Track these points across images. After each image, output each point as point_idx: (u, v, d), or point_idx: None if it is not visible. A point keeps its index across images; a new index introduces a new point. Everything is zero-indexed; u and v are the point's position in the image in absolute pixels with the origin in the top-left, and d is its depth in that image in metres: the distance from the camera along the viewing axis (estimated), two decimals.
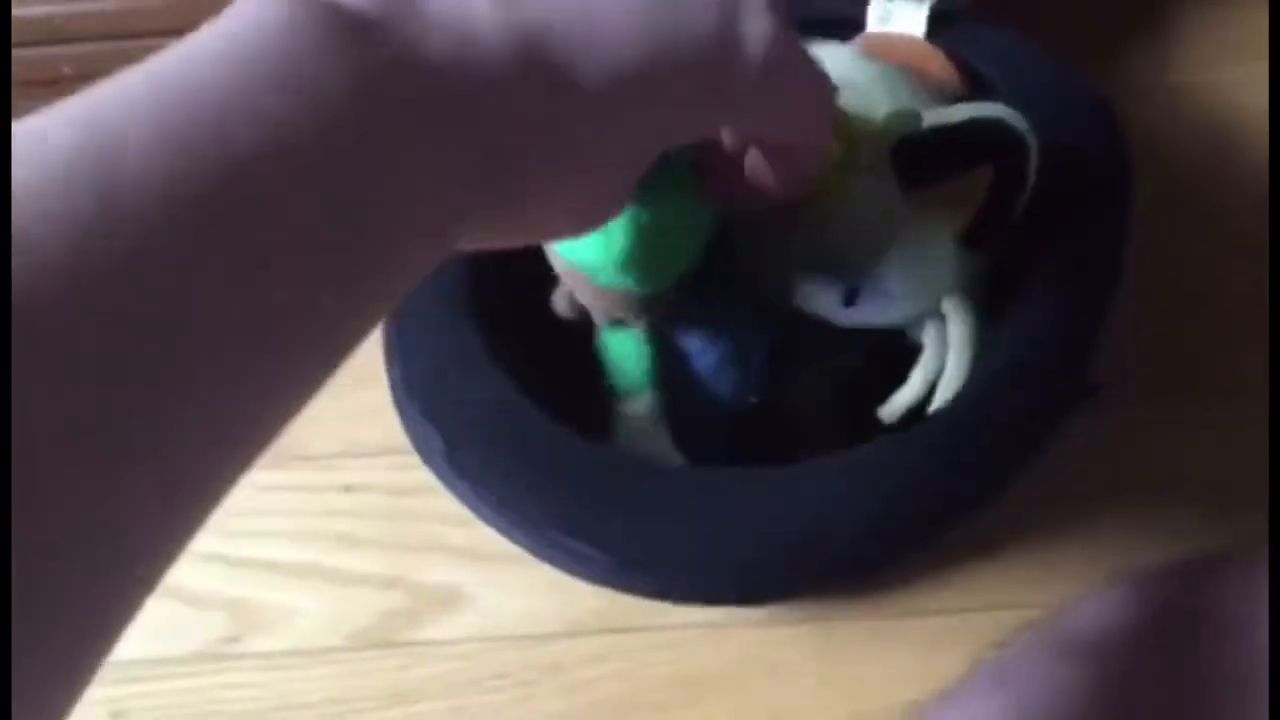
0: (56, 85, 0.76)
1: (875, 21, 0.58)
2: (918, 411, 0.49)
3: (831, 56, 0.51)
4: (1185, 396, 0.63)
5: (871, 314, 0.51)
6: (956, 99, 0.55)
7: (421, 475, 0.65)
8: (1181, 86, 0.76)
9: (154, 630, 0.62)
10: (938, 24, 0.57)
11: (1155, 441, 0.61)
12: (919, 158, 0.48)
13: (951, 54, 0.56)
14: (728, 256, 0.51)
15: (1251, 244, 0.68)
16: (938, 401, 0.49)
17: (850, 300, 0.51)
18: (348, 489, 0.66)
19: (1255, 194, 0.71)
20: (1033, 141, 0.48)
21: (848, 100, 0.49)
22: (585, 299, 0.51)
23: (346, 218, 0.22)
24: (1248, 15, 0.78)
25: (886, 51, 0.56)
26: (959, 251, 0.50)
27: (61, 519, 0.17)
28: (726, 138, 0.39)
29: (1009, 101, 0.49)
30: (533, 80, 0.26)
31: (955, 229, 0.50)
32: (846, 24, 0.58)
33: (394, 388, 0.54)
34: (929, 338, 0.50)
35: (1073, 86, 0.56)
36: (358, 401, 0.67)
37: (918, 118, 0.47)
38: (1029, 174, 0.48)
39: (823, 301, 0.52)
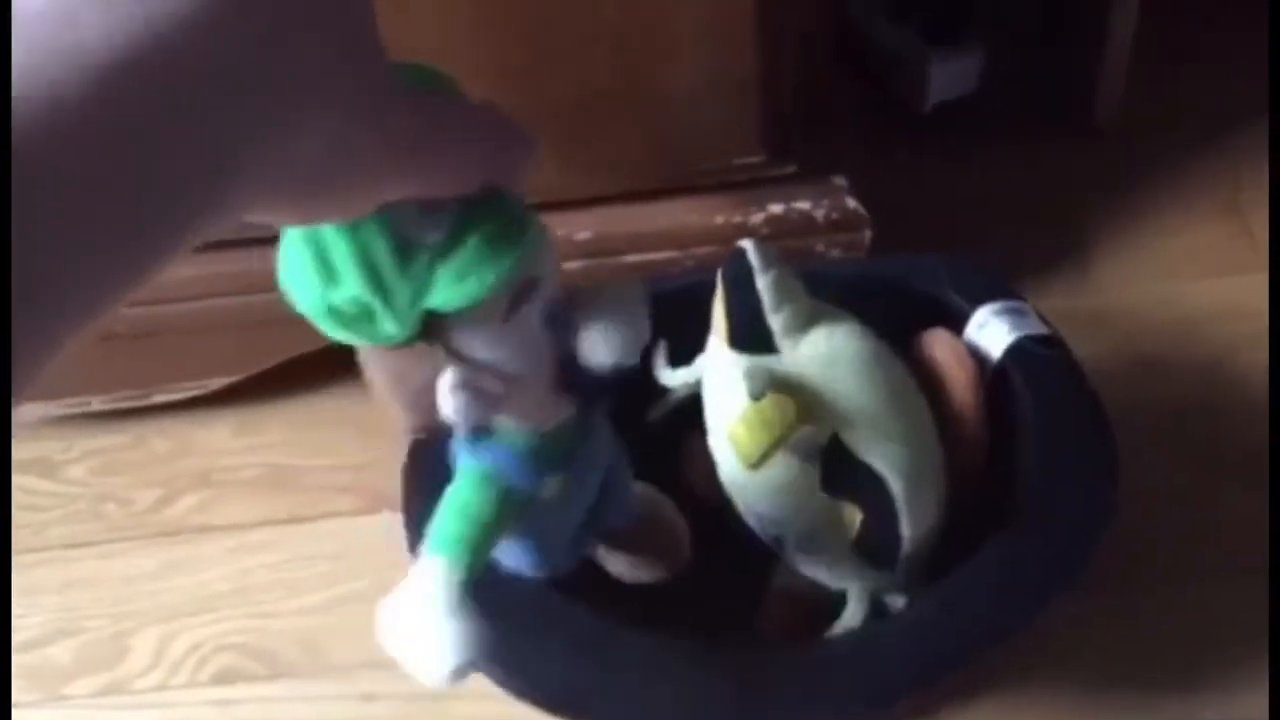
0: None
1: (974, 325, 0.67)
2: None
3: (853, 348, 0.60)
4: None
5: (796, 560, 0.63)
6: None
7: None
8: (1104, 308, 0.85)
9: None
10: (1014, 352, 0.65)
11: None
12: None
13: (980, 377, 0.64)
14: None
15: (1182, 453, 0.76)
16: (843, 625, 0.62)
17: (779, 546, 0.62)
18: (368, 698, 0.72)
19: (1178, 408, 0.79)
20: (900, 493, 0.58)
21: (831, 380, 0.58)
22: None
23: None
24: (1167, 238, 0.88)
25: (928, 348, 0.65)
26: (852, 553, 0.59)
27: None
28: None
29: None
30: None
31: (851, 535, 0.59)
32: (951, 315, 0.67)
33: None
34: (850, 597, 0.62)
35: (1085, 413, 0.65)
36: (374, 615, 0.74)
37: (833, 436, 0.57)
38: (899, 524, 0.58)
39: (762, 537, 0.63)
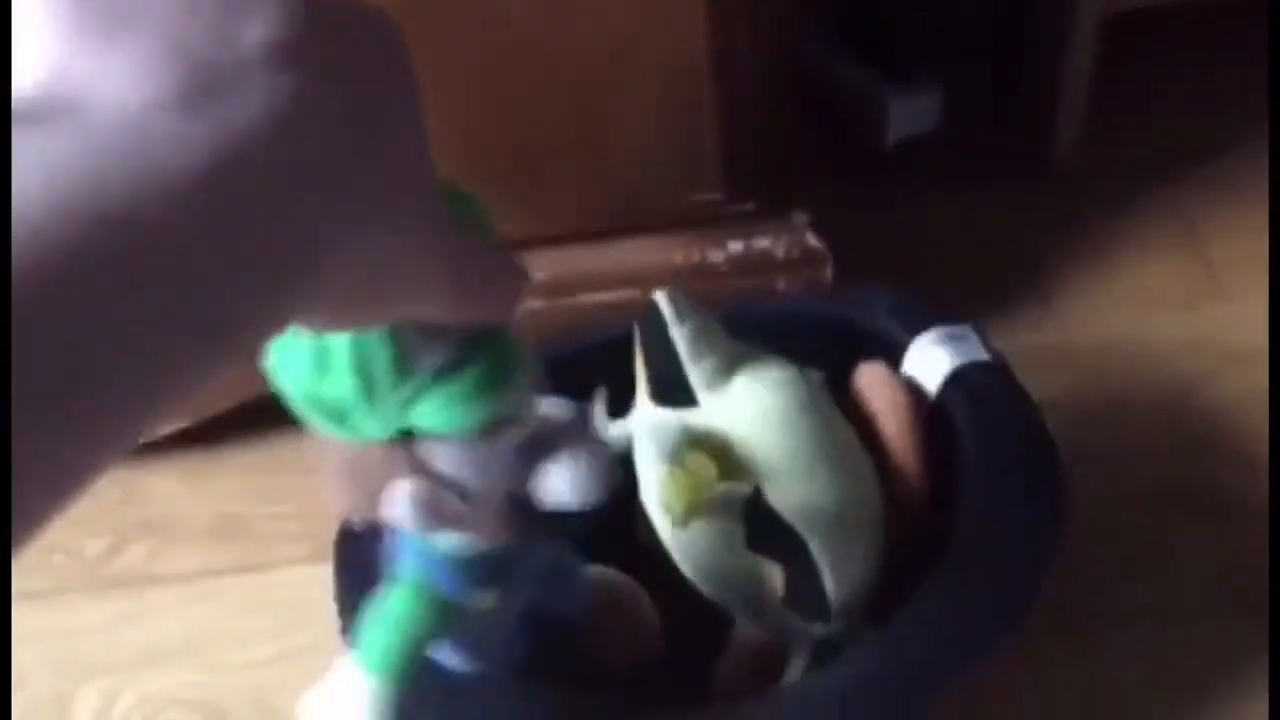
0: None
1: (911, 356, 0.65)
2: None
3: (777, 396, 0.58)
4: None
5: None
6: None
7: None
8: (1067, 344, 0.84)
9: None
10: (953, 383, 0.63)
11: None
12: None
13: (915, 418, 0.62)
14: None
15: (1146, 489, 0.76)
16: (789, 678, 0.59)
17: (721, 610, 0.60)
18: None
19: (1145, 442, 0.78)
20: (817, 549, 0.56)
21: (752, 433, 0.56)
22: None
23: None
24: (1127, 273, 0.88)
25: (862, 388, 0.63)
26: (784, 609, 0.58)
27: None
28: None
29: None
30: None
31: (779, 593, 0.58)
32: (891, 347, 0.66)
33: None
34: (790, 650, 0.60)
35: (1029, 445, 0.63)
36: (327, 666, 0.72)
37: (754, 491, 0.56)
38: (820, 580, 0.57)
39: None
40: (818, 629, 0.59)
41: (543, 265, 0.73)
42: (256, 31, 0.25)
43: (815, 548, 0.56)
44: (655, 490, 0.56)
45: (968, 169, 0.92)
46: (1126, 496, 0.75)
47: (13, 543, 0.23)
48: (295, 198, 0.26)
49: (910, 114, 0.89)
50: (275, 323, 0.27)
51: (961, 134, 0.92)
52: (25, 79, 0.24)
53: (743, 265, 0.74)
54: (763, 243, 0.74)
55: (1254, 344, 0.80)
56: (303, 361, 0.40)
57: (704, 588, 0.60)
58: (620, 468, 0.62)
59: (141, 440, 0.25)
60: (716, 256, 0.74)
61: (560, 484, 0.47)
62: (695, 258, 0.74)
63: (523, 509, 0.48)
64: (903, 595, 0.58)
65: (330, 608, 0.74)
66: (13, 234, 0.21)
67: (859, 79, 0.90)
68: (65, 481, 0.23)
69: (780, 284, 0.75)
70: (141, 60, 0.24)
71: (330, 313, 0.30)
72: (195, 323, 0.24)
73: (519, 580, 0.52)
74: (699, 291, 0.72)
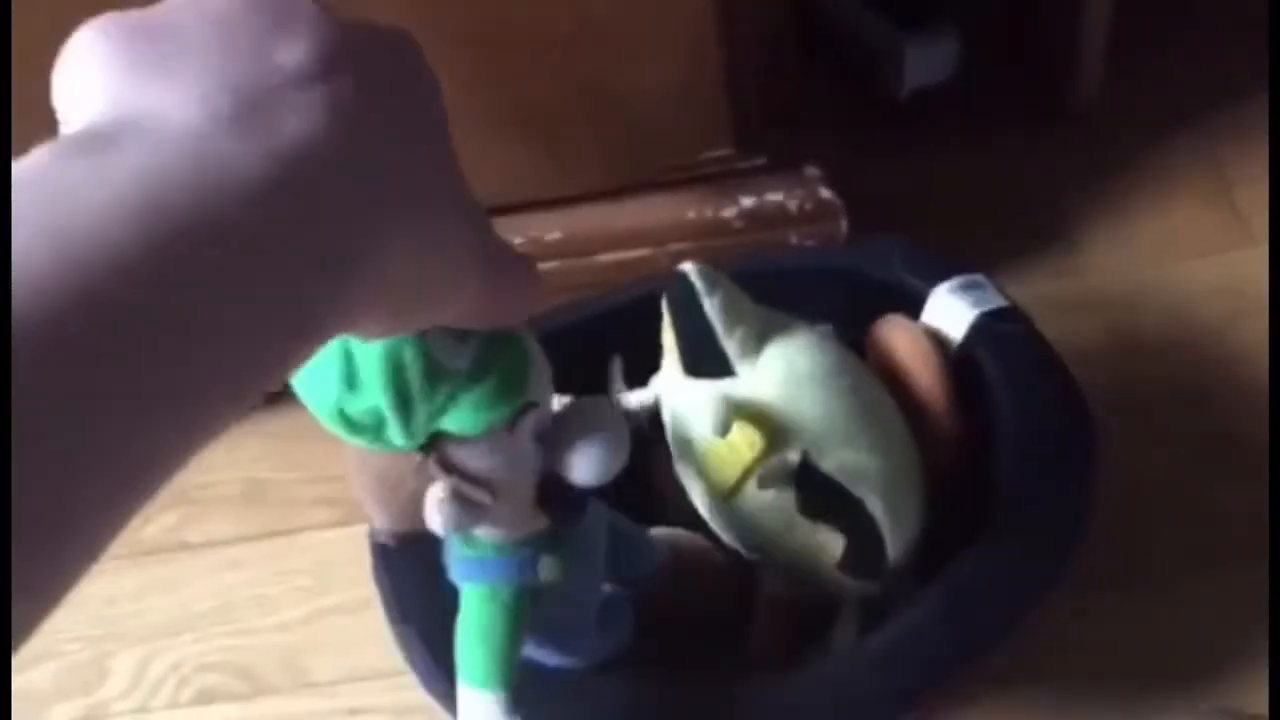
0: None
1: (931, 307, 0.65)
2: None
3: (813, 362, 0.58)
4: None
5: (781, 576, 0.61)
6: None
7: (419, 695, 0.70)
8: (1091, 292, 0.83)
9: None
10: (977, 332, 0.63)
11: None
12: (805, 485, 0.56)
13: (944, 367, 0.62)
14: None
15: (1175, 439, 0.75)
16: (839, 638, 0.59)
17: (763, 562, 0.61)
18: (353, 713, 0.71)
19: (1171, 391, 0.78)
20: (881, 514, 0.56)
21: (795, 400, 0.56)
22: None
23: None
24: (1151, 219, 0.86)
25: (887, 340, 0.63)
26: (836, 572, 0.58)
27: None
28: None
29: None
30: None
31: (834, 558, 0.58)
32: (909, 298, 0.65)
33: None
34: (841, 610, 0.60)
35: (1058, 392, 0.63)
36: (355, 628, 0.73)
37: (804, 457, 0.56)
38: (884, 545, 0.57)
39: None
40: (870, 589, 0.59)
41: (556, 225, 0.73)
42: (291, 55, 0.28)
43: (872, 508, 0.56)
44: (704, 465, 0.56)
45: (986, 117, 0.91)
46: (1153, 446, 0.74)
47: (119, 516, 0.24)
48: (351, 194, 0.28)
49: (927, 62, 0.87)
50: (346, 316, 0.28)
51: (979, 81, 0.90)
52: (85, 116, 0.27)
53: (755, 220, 0.73)
54: (775, 197, 0.73)
55: None
56: (329, 381, 0.40)
57: (750, 555, 0.60)
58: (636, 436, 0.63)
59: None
60: (729, 212, 0.73)
61: (584, 465, 0.47)
62: (708, 214, 0.73)
63: (555, 490, 0.49)
64: (941, 549, 0.58)
65: (356, 570, 0.75)
66: (105, 239, 0.23)
67: (874, 28, 0.89)
68: (155, 468, 0.24)
69: (794, 238, 0.74)
70: (193, 88, 0.27)
71: (386, 312, 0.31)
72: (274, 313, 0.26)
73: (574, 557, 0.52)
74: (712, 248, 0.72)
